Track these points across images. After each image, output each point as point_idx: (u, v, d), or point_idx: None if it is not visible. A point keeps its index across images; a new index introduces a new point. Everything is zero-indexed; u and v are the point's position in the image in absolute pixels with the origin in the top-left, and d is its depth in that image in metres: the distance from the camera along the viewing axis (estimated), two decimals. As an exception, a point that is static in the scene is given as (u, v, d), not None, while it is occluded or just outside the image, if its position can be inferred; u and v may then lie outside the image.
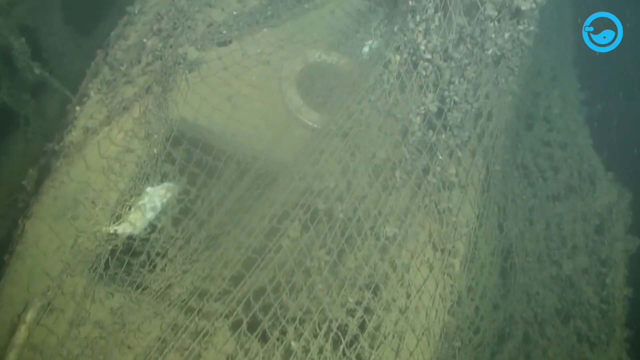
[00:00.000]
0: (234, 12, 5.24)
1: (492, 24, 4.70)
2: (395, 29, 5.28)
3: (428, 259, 4.51)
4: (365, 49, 5.65)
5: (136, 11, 5.15)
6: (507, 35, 4.85)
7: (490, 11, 4.72)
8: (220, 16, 5.22)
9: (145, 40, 4.78)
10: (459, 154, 4.93)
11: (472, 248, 4.66)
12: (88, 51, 5.65)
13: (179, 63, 4.69)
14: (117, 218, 4.37)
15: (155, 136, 4.58)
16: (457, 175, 4.78)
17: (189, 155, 4.75)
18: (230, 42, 5.18)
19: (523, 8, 4.60)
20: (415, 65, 4.90)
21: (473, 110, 4.94)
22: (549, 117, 6.92)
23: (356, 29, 5.78)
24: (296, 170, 4.41)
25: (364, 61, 5.32)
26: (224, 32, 5.07)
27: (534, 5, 4.62)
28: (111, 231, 4.29)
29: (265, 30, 5.38)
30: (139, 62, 4.76)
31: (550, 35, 7.75)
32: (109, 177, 4.43)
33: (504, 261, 5.74)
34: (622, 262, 5.91)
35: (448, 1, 4.87)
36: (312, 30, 5.60)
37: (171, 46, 4.89)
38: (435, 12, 4.98)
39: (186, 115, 4.74)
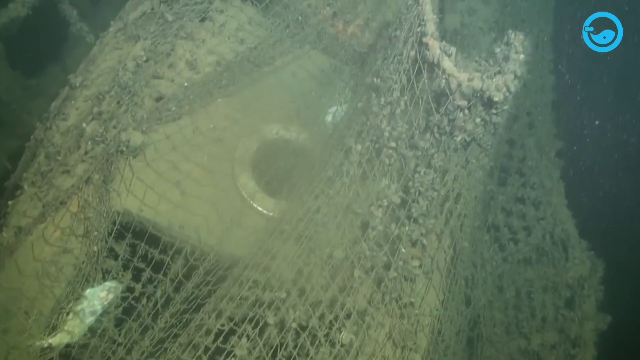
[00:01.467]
0: (185, 84, 4.82)
1: (461, 114, 4.37)
2: (359, 105, 4.96)
3: (387, 357, 4.27)
4: (329, 118, 5.32)
5: (77, 84, 4.77)
6: (478, 119, 4.53)
7: (460, 101, 4.40)
8: (169, 89, 4.83)
9: (84, 124, 4.34)
10: (424, 241, 4.65)
11: (435, 338, 4.44)
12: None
13: (122, 151, 4.28)
14: (53, 329, 4.03)
15: (96, 233, 4.25)
16: (421, 265, 4.52)
17: (134, 250, 4.43)
18: (180, 117, 4.75)
19: (496, 99, 4.27)
20: (379, 153, 4.61)
21: (440, 195, 4.66)
22: (524, 170, 6.68)
23: (320, 93, 5.45)
24: (246, 277, 4.11)
25: (326, 137, 4.95)
26: (173, 108, 4.64)
27: (507, 94, 4.30)
28: (45, 345, 3.96)
29: (219, 100, 4.96)
30: (78, 148, 4.36)
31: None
32: (44, 283, 4.11)
33: (470, 331, 5.54)
34: (592, 341, 5.72)
35: (415, 85, 4.52)
36: (272, 97, 5.26)
37: (114, 127, 4.49)
38: (402, 95, 4.67)
39: (130, 206, 4.42)
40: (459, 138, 4.67)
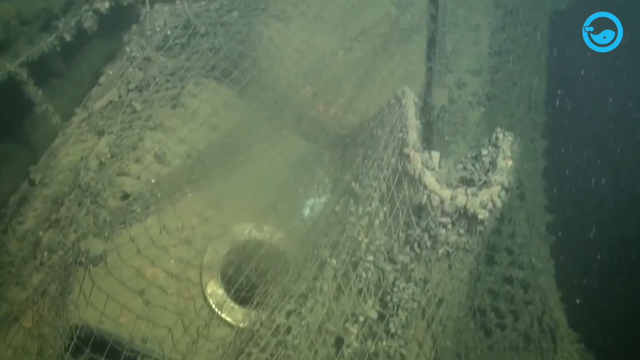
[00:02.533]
0: (152, 180, 4.56)
1: (443, 230, 4.14)
2: (336, 209, 4.73)
3: None
4: (306, 211, 5.08)
5: (37, 181, 4.46)
6: (462, 230, 4.30)
7: (442, 218, 4.16)
8: (135, 186, 4.57)
9: (41, 233, 4.08)
10: (403, 352, 4.42)
11: None
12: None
13: (81, 262, 4.03)
14: None
15: (51, 351, 3.96)
16: (399, 379, 4.31)
17: (93, 365, 4.15)
18: (146, 217, 4.50)
19: (480, 217, 4.04)
20: (355, 266, 4.38)
21: (421, 305, 4.44)
22: (512, 248, 6.47)
23: (297, 182, 5.18)
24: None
25: (302, 238, 4.70)
26: (138, 210, 4.38)
27: (493, 210, 4.06)
28: None
29: (189, 195, 4.70)
30: (34, 258, 4.09)
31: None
32: (-7, 411, 3.83)
33: None
34: None
35: (396, 196, 4.29)
36: (246, 189, 5.03)
37: (74, 231, 4.22)
38: (381, 205, 4.44)
39: (89, 318, 4.18)
40: (442, 250, 4.44)
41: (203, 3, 5.32)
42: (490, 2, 7.14)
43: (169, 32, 5.15)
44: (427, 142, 6.02)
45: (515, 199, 7.00)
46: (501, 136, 4.63)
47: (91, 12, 5.26)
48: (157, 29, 5.11)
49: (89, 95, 5.11)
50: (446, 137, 6.10)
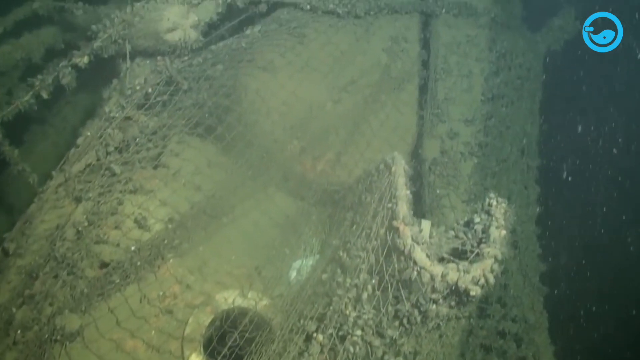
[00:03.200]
0: (132, 247, 4.42)
1: (434, 306, 4.01)
2: (323, 277, 4.60)
3: None
4: (293, 274, 4.94)
5: (11, 251, 4.32)
6: (453, 303, 4.17)
7: (433, 295, 4.03)
8: (114, 254, 4.42)
9: (14, 309, 3.93)
10: None
11: None
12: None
13: (56, 339, 3.87)
14: None
15: None
16: None
17: None
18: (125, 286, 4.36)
19: (472, 293, 3.92)
20: (342, 340, 4.22)
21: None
22: (505, 300, 6.33)
23: (284, 243, 5.04)
24: None
25: (288, 305, 4.55)
26: (117, 280, 4.24)
27: (486, 286, 3.94)
28: None
29: (171, 261, 4.56)
30: (7, 335, 3.93)
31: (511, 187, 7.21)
32: None
33: None
34: None
35: (384, 268, 4.16)
36: (230, 252, 4.89)
37: (50, 305, 4.07)
38: (369, 277, 4.29)
39: (64, 399, 3.97)
40: (432, 323, 4.31)
41: (186, 58, 5.18)
42: (484, 47, 7.03)
43: (150, 90, 5.02)
44: (418, 196, 5.97)
45: (508, 247, 6.88)
46: (494, 202, 4.52)
47: (69, 68, 5.11)
48: (138, 87, 4.98)
49: (66, 158, 4.96)
50: (437, 191, 5.98)
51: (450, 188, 6.06)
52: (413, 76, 6.49)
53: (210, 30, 5.71)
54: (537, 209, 7.31)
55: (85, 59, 5.24)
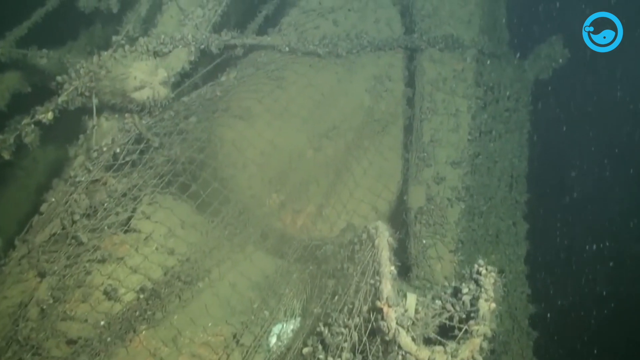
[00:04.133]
0: (102, 322, 4.20)
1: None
2: (304, 351, 4.40)
3: None
4: (273, 340, 4.72)
5: (-31, 331, 4.05)
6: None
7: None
8: (82, 331, 4.24)
9: None
10: None
11: None
12: None
13: None
14: None
15: None
16: None
17: None
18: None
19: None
20: None
21: None
22: (494, 347, 6.13)
23: (263, 306, 4.82)
24: None
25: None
26: (86, 359, 3.99)
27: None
28: None
29: (143, 333, 4.32)
30: None
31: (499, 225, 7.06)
32: None
33: None
34: None
35: (368, 348, 3.97)
36: (206, 318, 4.68)
37: None
38: (352, 355, 4.09)
39: None
40: (420, 403, 4.10)
41: (157, 113, 4.92)
42: (471, 82, 6.82)
43: (118, 150, 4.76)
44: (403, 246, 5.78)
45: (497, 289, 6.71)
46: (483, 271, 4.33)
47: (32, 126, 4.84)
48: (105, 149, 4.72)
49: (29, 226, 4.69)
50: (424, 241, 5.79)
51: (437, 237, 5.87)
52: (397, 117, 6.29)
53: (182, 79, 5.46)
54: (526, 247, 7.14)
55: (50, 115, 4.97)
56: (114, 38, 5.44)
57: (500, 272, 6.65)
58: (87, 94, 5.11)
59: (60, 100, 5.01)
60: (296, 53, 5.98)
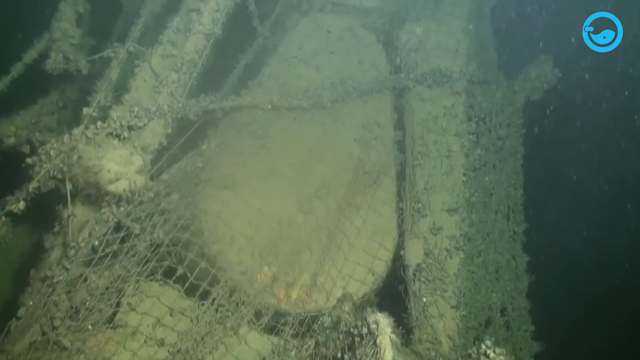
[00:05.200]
0: None
1: None
2: None
3: None
4: None
5: None
6: None
7: None
8: None
9: None
10: None
11: None
12: None
13: None
14: None
15: None
16: None
17: None
18: None
19: None
20: None
21: None
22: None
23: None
24: None
25: None
26: None
27: None
28: None
29: None
30: None
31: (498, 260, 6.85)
32: None
33: None
34: None
35: None
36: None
37: None
38: None
39: None
40: None
41: (136, 196, 4.62)
42: (462, 117, 6.55)
43: (96, 243, 4.46)
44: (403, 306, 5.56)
45: (501, 329, 6.53)
46: (492, 354, 4.13)
47: (3, 218, 4.53)
48: (82, 244, 4.42)
49: (6, 331, 4.39)
50: (424, 300, 5.55)
51: (437, 293, 5.63)
52: (389, 167, 6.01)
53: (160, 154, 5.14)
54: (527, 281, 6.93)
55: (21, 205, 4.68)
56: (84, 110, 5.11)
57: (503, 309, 6.56)
58: (59, 176, 4.79)
59: (31, 187, 4.70)
60: (279, 109, 5.67)
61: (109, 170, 4.51)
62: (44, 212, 5.09)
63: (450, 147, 6.35)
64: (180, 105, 5.13)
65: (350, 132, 5.99)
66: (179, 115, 5.16)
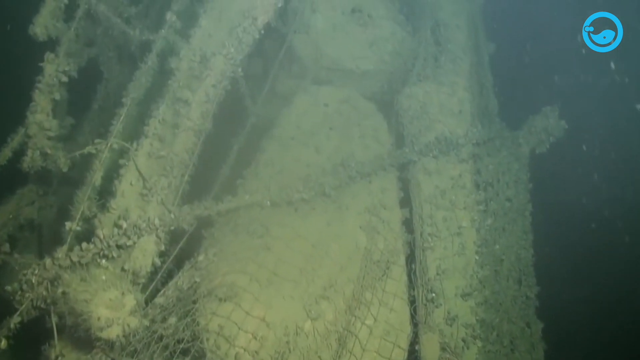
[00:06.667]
0: None
1: None
2: None
3: None
4: None
5: None
6: None
7: None
8: None
9: None
10: None
11: None
12: None
13: None
14: None
15: None
16: None
17: None
18: None
19: None
20: None
21: None
22: None
23: None
24: None
25: None
26: None
27: None
28: None
29: None
30: None
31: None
32: None
33: None
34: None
35: None
36: None
37: None
38: None
39: None
40: None
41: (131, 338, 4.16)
42: (470, 186, 6.16)
43: (89, 387, 4.00)
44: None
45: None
46: None
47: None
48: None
49: None
50: None
51: (455, 388, 5.26)
52: (398, 254, 5.58)
53: (154, 271, 4.67)
54: (543, 350, 6.57)
55: (3, 344, 4.20)
56: (67, 225, 4.62)
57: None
58: (43, 306, 4.32)
59: (12, 323, 4.23)
60: (279, 205, 5.22)
61: (99, 318, 4.04)
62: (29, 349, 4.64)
63: (460, 223, 5.95)
64: (172, 216, 4.66)
65: (355, 218, 5.55)
66: (172, 228, 4.69)
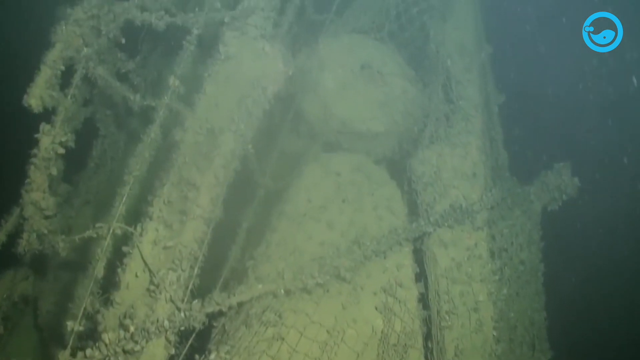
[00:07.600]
0: None
1: None
2: None
3: None
4: None
5: None
6: None
7: None
8: None
9: None
10: None
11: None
12: None
13: None
14: None
15: None
16: None
17: None
18: None
19: None
20: None
21: None
22: None
23: None
24: None
25: None
26: None
27: None
28: None
29: None
30: None
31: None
32: None
33: None
34: None
35: None
36: None
37: None
38: None
39: None
40: None
41: None
42: (486, 256, 5.88)
43: None
44: None
45: None
46: None
47: None
48: None
49: None
50: None
51: None
52: (416, 336, 5.29)
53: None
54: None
55: None
56: (69, 325, 4.28)
57: None
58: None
59: None
60: (293, 293, 4.91)
61: None
62: None
63: (477, 298, 5.68)
64: (182, 315, 4.33)
65: (370, 300, 5.26)
66: (182, 328, 4.36)
